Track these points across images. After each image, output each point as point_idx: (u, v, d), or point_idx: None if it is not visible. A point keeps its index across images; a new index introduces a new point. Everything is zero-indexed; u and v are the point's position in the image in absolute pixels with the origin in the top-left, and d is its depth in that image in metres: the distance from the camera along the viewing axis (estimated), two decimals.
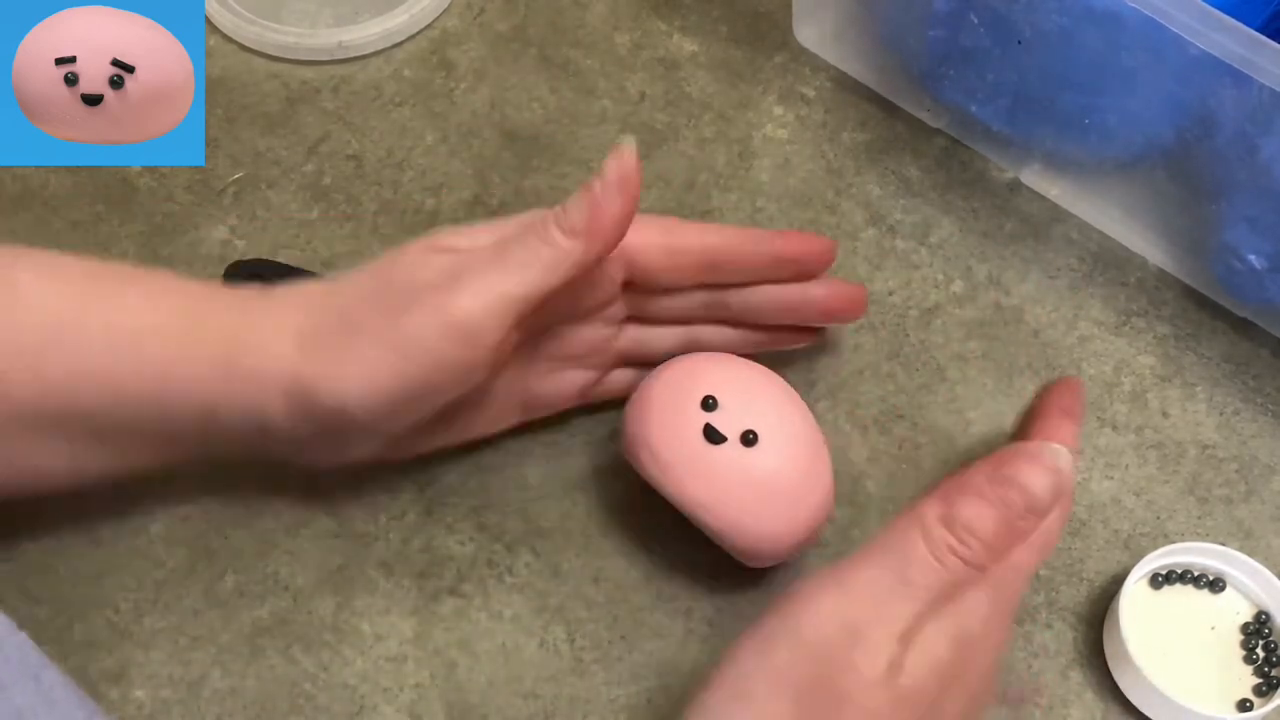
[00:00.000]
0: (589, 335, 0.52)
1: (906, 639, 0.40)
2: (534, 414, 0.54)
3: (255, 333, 0.47)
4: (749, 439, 0.48)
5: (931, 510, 0.41)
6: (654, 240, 0.50)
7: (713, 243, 0.51)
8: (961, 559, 0.41)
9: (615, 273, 0.51)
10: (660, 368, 0.51)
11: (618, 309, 0.53)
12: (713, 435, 0.48)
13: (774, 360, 0.57)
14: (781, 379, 0.51)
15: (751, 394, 0.50)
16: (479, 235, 0.48)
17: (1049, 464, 0.42)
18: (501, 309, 0.46)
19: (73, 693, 0.40)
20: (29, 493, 0.49)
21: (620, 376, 0.55)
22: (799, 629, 0.40)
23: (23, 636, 0.40)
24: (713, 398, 0.49)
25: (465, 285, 0.46)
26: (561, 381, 0.53)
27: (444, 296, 0.45)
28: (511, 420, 0.53)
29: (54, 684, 0.39)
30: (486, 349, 0.46)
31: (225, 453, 0.50)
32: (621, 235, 0.47)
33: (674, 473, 0.49)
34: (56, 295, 0.46)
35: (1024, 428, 0.48)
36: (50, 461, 0.48)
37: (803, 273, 0.53)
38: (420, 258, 0.47)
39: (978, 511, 0.41)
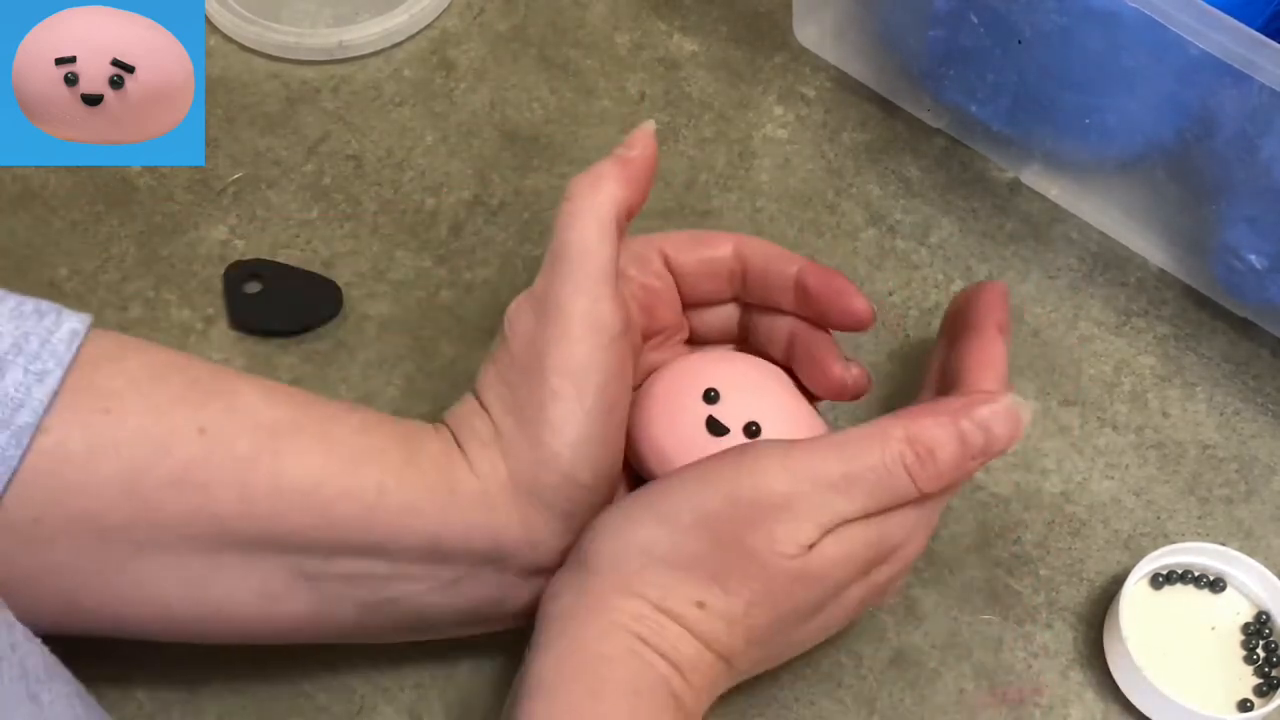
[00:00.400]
0: (655, 360, 0.52)
1: (829, 528, 0.42)
2: None
3: (463, 455, 0.45)
4: (751, 430, 0.48)
5: (897, 425, 0.43)
6: (686, 247, 0.50)
7: (738, 246, 0.50)
8: (911, 476, 0.42)
9: (672, 286, 0.51)
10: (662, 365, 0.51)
11: (680, 335, 0.52)
12: (715, 427, 0.48)
13: None
14: (784, 373, 0.51)
15: (754, 387, 0.50)
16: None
17: (1017, 419, 0.43)
18: (598, 276, 0.45)
19: (80, 705, 0.40)
20: (213, 632, 0.46)
21: None
22: (738, 485, 0.42)
23: (31, 647, 0.39)
24: (715, 390, 0.49)
25: (556, 280, 0.45)
26: None
27: (553, 309, 0.45)
28: None
29: (56, 700, 0.39)
30: (615, 320, 0.45)
31: (441, 615, 0.46)
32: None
33: (676, 466, 0.48)
34: (273, 406, 0.44)
35: (957, 331, 0.49)
36: (240, 595, 0.44)
37: (825, 316, 0.50)
38: (515, 315, 0.46)
39: (943, 438, 0.42)
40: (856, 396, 0.51)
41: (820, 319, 0.50)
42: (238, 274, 0.59)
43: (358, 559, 0.44)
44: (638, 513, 0.43)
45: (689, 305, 0.52)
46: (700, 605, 0.42)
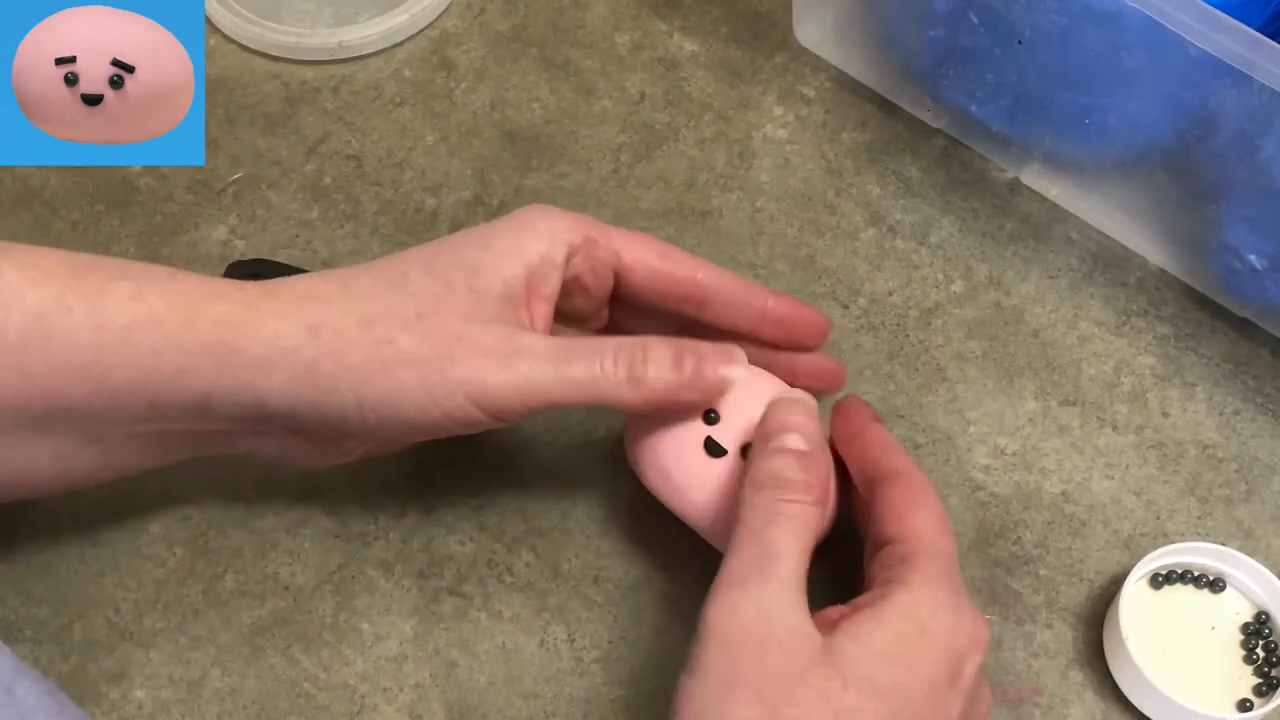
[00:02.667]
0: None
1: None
2: None
3: (258, 323, 0.45)
4: (748, 452, 0.48)
5: None
6: (647, 259, 0.50)
7: (703, 278, 0.51)
8: None
9: (606, 283, 0.50)
10: None
11: (600, 319, 0.53)
12: (713, 449, 0.49)
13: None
14: (787, 385, 0.51)
15: (754, 405, 0.50)
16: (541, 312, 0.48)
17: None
18: (534, 403, 0.46)
19: (51, 703, 0.40)
20: (14, 495, 0.48)
21: None
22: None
23: None
24: (714, 411, 0.49)
25: (513, 368, 0.45)
26: None
27: (489, 367, 0.45)
28: None
29: (29, 695, 0.39)
30: (502, 422, 0.46)
31: (215, 452, 0.49)
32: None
33: (675, 485, 0.49)
34: (39, 289, 0.45)
35: (868, 481, 0.49)
36: (36, 462, 0.47)
37: (790, 340, 0.52)
38: (476, 303, 0.47)
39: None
40: (830, 387, 0.53)
41: (784, 343, 0.52)
42: (238, 274, 0.59)
43: (138, 422, 0.46)
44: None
45: (624, 306, 0.52)
46: None
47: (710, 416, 0.49)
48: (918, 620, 0.43)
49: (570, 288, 0.50)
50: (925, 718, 0.42)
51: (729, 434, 0.49)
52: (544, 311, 0.48)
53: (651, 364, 0.47)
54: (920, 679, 0.42)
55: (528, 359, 0.45)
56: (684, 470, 0.49)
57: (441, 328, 0.46)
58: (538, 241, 0.48)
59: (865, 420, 0.50)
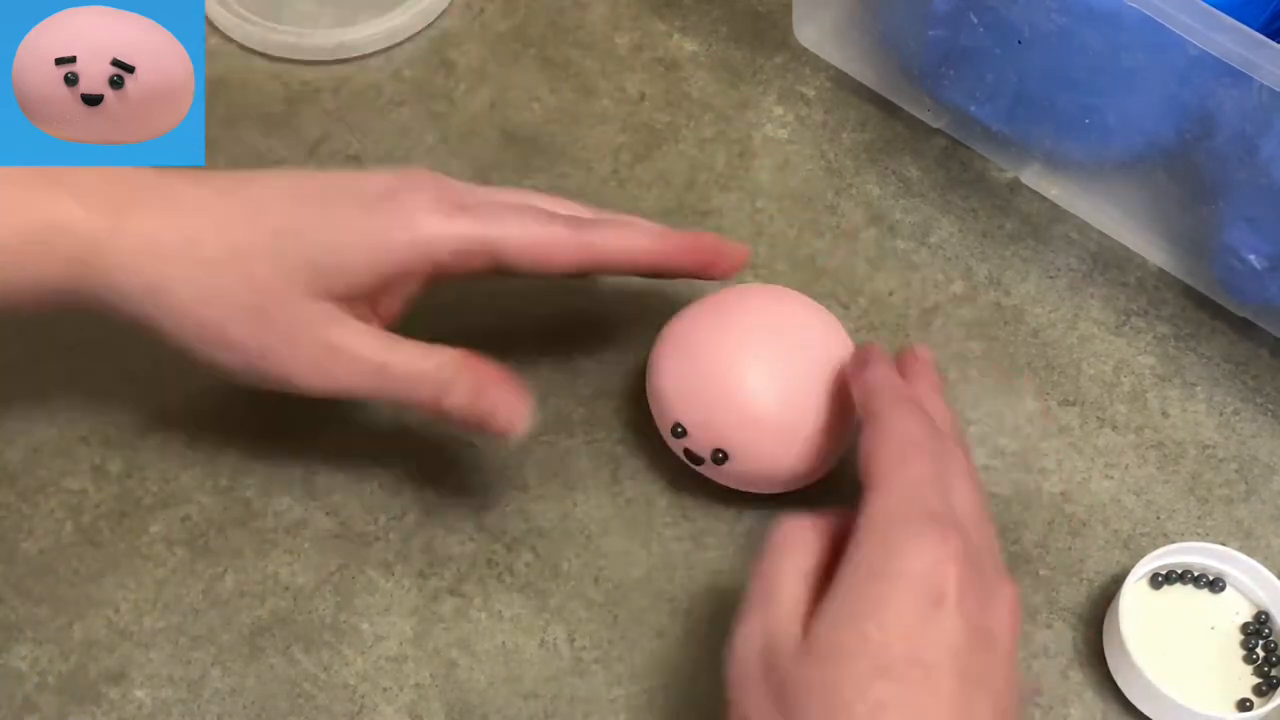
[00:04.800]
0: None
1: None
2: None
3: (102, 269, 0.47)
4: (719, 458, 0.51)
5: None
6: (528, 249, 0.49)
7: (595, 244, 0.50)
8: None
9: (477, 270, 0.50)
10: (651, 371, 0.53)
11: None
12: (693, 458, 0.52)
13: None
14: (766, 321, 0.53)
15: (716, 405, 0.50)
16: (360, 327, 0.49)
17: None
18: (347, 396, 0.49)
19: None
20: None
21: None
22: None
23: None
24: (680, 425, 0.51)
25: (330, 375, 0.48)
26: None
27: (306, 373, 0.48)
28: None
29: None
30: None
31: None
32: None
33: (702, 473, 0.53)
34: None
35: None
36: None
37: (701, 273, 0.52)
38: (314, 305, 0.48)
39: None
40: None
41: (697, 275, 0.52)
42: None
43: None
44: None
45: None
46: None
47: (677, 430, 0.51)
48: (873, 569, 0.42)
49: (433, 277, 0.50)
50: (916, 649, 0.40)
51: (697, 444, 0.51)
52: (394, 309, 0.50)
53: (456, 394, 0.48)
54: (901, 617, 0.41)
55: (346, 367, 0.48)
56: (697, 470, 0.53)
57: (269, 327, 0.48)
58: (401, 253, 0.48)
59: (860, 365, 0.49)
